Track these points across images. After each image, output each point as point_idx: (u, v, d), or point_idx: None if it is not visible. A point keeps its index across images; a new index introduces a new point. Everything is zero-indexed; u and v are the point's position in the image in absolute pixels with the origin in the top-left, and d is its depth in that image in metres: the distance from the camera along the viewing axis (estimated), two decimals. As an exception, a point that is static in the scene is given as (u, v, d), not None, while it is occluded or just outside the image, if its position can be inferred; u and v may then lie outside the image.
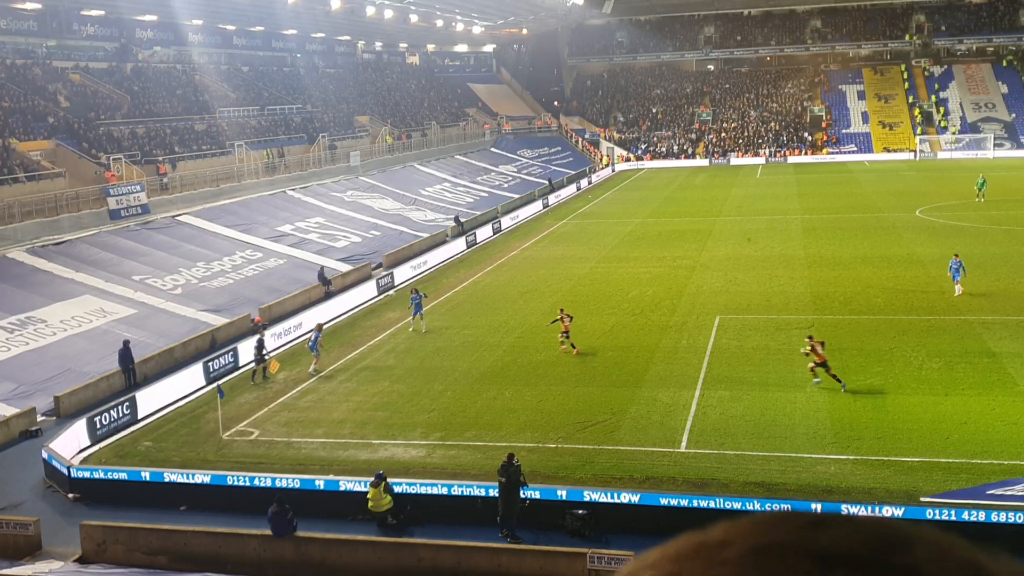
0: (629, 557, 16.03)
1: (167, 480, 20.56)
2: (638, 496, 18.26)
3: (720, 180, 77.27)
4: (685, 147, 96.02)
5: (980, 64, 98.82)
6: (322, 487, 19.66)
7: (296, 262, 43.79)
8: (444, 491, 19.14)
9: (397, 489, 19.02)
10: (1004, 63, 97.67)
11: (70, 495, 20.88)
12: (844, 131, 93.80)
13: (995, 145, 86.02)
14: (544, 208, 65.82)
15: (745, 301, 34.47)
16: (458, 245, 50.38)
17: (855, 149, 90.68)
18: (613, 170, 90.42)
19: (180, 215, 46.11)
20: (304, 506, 18.67)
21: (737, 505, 17.69)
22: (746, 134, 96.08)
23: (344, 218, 53.35)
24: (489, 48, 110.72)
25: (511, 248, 49.66)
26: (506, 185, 75.25)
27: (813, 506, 17.34)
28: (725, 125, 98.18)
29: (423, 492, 19.19)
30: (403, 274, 42.70)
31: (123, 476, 21.01)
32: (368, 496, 18.76)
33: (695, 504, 17.81)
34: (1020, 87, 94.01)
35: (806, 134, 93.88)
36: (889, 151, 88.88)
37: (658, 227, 53.68)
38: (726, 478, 19.45)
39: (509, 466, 18.11)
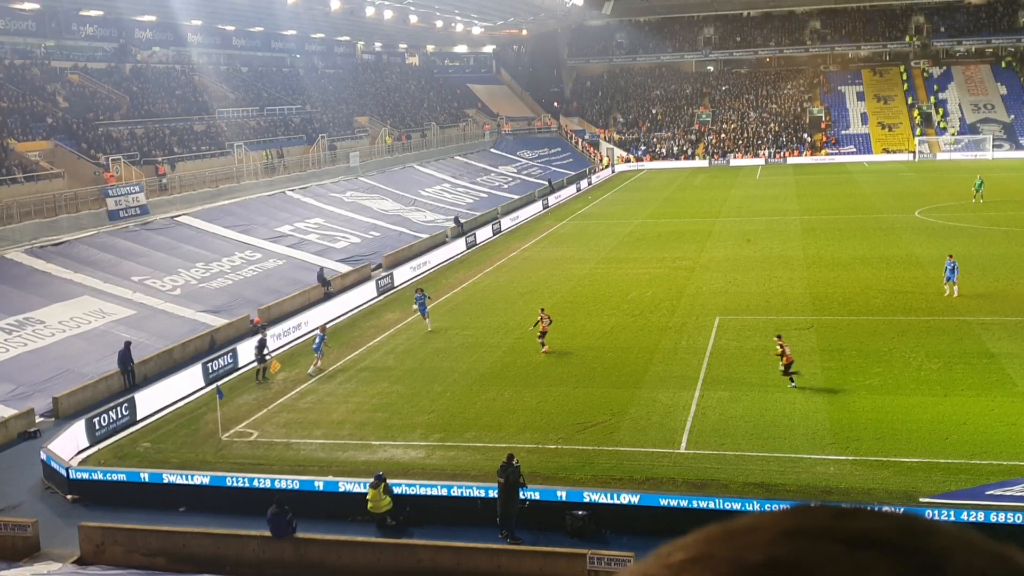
0: (629, 558, 16.02)
1: (166, 481, 20.53)
2: (638, 497, 18.25)
3: (719, 181, 77.29)
4: (685, 148, 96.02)
5: (979, 65, 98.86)
6: (321, 488, 19.64)
7: (295, 263, 43.78)
8: (444, 492, 19.12)
9: (396, 490, 19.01)
10: (1003, 64, 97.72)
11: (69, 496, 20.86)
12: (843, 132, 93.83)
13: (994, 146, 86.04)
14: (544, 209, 65.82)
15: (744, 302, 34.47)
16: (458, 246, 50.37)
17: (854, 150, 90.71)
18: (613, 171, 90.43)
19: (179, 216, 46.08)
20: (303, 507, 18.65)
21: (737, 506, 17.68)
22: (745, 135, 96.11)
23: (343, 219, 53.33)
24: (489, 49, 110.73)
25: (511, 249, 49.65)
26: (506, 186, 75.25)
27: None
28: (724, 126, 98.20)
29: (422, 493, 19.18)
30: (403, 275, 42.68)
31: (122, 477, 20.98)
32: (367, 497, 18.74)
33: (695, 505, 17.80)
34: (1019, 88, 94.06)
35: (805, 135, 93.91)
36: (888, 152, 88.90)
37: (658, 228, 53.68)
38: (725, 479, 19.44)
39: (508, 467, 18.09)
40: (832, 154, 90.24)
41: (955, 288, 32.99)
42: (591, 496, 18.39)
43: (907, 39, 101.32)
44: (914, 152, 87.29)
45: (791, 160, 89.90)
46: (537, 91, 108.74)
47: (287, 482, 19.75)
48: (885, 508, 15.86)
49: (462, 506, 18.86)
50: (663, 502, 18.03)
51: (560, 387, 25.92)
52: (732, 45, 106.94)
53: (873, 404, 23.25)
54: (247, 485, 19.93)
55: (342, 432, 23.57)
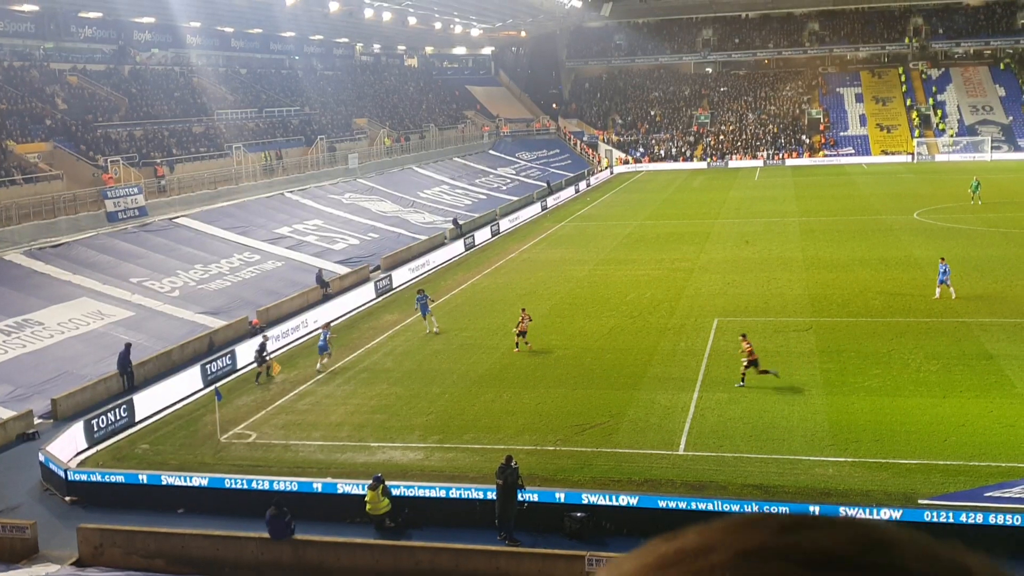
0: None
1: (165, 483, 20.51)
2: (636, 499, 18.24)
3: (718, 183, 77.32)
4: (683, 149, 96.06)
5: (977, 67, 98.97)
6: (320, 490, 19.63)
7: (294, 264, 43.77)
8: (442, 494, 19.11)
9: (395, 492, 19.00)
10: (1001, 66, 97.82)
11: (67, 498, 20.84)
12: (842, 134, 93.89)
13: (992, 148, 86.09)
14: (542, 210, 65.82)
15: (743, 303, 34.48)
16: (456, 247, 50.37)
17: (853, 151, 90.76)
18: (611, 173, 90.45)
19: (178, 217, 46.07)
20: (302, 509, 18.65)
21: (735, 507, 17.67)
22: (744, 136, 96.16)
23: (342, 220, 53.32)
24: (487, 50, 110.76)
25: (509, 250, 49.66)
26: (504, 187, 75.26)
27: (811, 508, 17.33)
28: (723, 128, 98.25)
29: (421, 495, 19.16)
30: (401, 277, 42.68)
31: (120, 479, 20.96)
32: (366, 499, 18.74)
33: (693, 506, 17.80)
34: (1017, 90, 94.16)
35: (804, 136, 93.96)
36: (887, 153, 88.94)
37: (656, 230, 53.70)
38: (724, 480, 19.44)
39: (507, 468, 18.09)
40: (830, 156, 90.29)
41: (951, 290, 33.04)
42: (590, 498, 18.38)
43: (905, 41, 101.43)
44: (913, 154, 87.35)
45: (790, 162, 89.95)
46: (536, 93, 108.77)
47: (286, 484, 19.74)
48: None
49: (461, 508, 18.85)
50: (662, 504, 18.03)
51: (559, 389, 25.91)
52: (731, 47, 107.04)
53: (872, 406, 23.26)
54: (246, 487, 19.92)
55: (341, 434, 23.56)
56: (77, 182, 45.27)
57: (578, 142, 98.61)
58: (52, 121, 49.66)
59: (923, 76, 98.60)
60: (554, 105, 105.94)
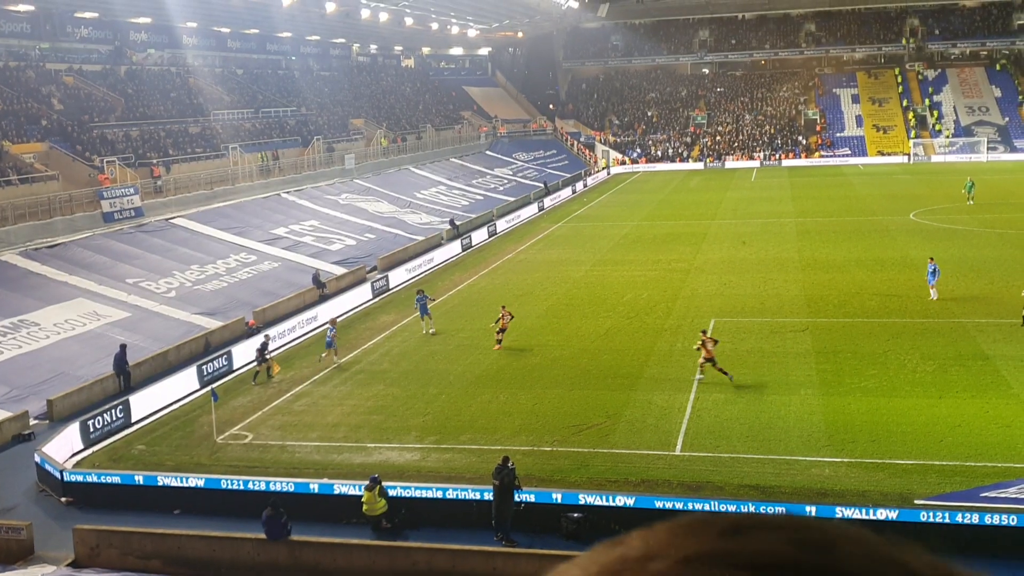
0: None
1: (161, 484, 20.48)
2: (633, 499, 18.24)
3: (715, 183, 77.37)
4: (680, 150, 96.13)
5: (974, 68, 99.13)
6: (316, 490, 19.62)
7: (290, 265, 43.74)
8: (439, 495, 19.10)
9: (392, 493, 18.98)
10: (997, 67, 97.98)
11: (63, 499, 20.81)
12: (838, 134, 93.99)
13: (988, 149, 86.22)
14: (539, 211, 65.80)
15: (740, 304, 34.50)
16: (453, 248, 50.35)
17: (849, 152, 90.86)
18: (608, 173, 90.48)
19: (174, 218, 46.02)
20: (298, 509, 18.63)
21: (732, 508, 17.69)
22: (741, 137, 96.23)
23: (339, 221, 53.30)
24: (484, 51, 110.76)
25: (506, 251, 49.65)
26: (501, 188, 75.27)
27: (808, 509, 17.34)
28: (720, 128, 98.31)
29: (418, 496, 19.15)
30: (398, 277, 42.67)
31: (116, 480, 20.92)
32: (363, 499, 18.72)
33: (690, 507, 17.80)
34: (1013, 91, 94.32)
35: (800, 137, 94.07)
36: (883, 154, 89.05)
37: (653, 230, 53.73)
38: (721, 481, 19.45)
39: (503, 469, 18.08)
40: (827, 156, 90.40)
41: (933, 291, 33.13)
42: (586, 498, 18.38)
43: (902, 42, 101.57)
44: (909, 154, 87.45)
45: (786, 163, 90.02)
46: (533, 93, 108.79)
47: (282, 484, 19.72)
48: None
49: (457, 508, 18.84)
50: (658, 504, 18.02)
51: (555, 389, 25.91)
52: (727, 48, 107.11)
53: (868, 406, 23.28)
54: (242, 488, 19.90)
55: (337, 434, 23.55)
56: (73, 183, 45.22)
57: (575, 143, 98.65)
58: (48, 121, 49.61)
59: (919, 77, 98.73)
60: (551, 106, 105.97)
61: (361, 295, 39.37)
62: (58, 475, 21.05)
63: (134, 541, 18.34)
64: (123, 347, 28.66)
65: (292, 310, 36.84)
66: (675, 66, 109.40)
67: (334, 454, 22.26)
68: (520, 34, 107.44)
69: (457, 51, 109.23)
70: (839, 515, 16.71)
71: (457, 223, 56.27)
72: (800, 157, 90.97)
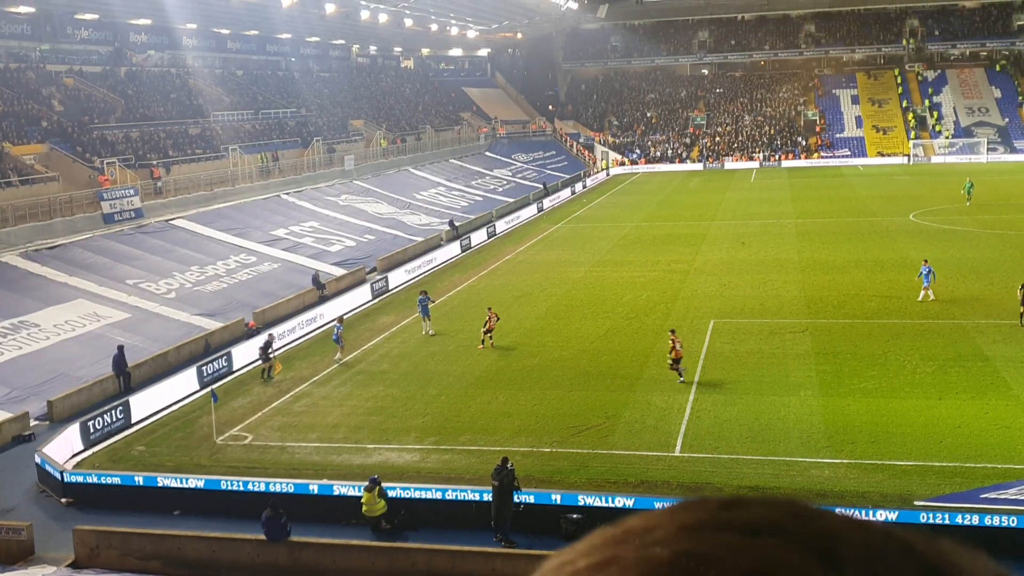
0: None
1: (161, 485, 20.49)
2: (632, 500, 18.26)
3: (714, 184, 77.39)
4: (679, 151, 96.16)
5: (973, 69, 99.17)
6: (316, 491, 19.63)
7: (290, 266, 43.75)
8: (438, 495, 19.11)
9: (391, 493, 19.00)
10: (997, 68, 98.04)
11: (63, 500, 20.82)
12: (838, 135, 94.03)
13: (988, 149, 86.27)
14: (539, 212, 65.81)
15: (739, 305, 34.51)
16: (453, 249, 50.35)
17: (849, 153, 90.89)
18: (607, 174, 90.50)
19: (174, 219, 46.04)
20: (298, 510, 18.64)
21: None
22: (740, 138, 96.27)
23: (338, 222, 53.31)
24: (484, 52, 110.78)
25: (505, 252, 49.67)
26: (501, 189, 75.29)
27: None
28: (719, 129, 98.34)
29: (417, 496, 19.16)
30: (397, 278, 42.68)
31: (116, 481, 20.94)
32: (362, 500, 18.73)
33: (689, 508, 17.79)
34: (1013, 92, 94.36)
35: (800, 138, 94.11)
36: (883, 155, 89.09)
37: (652, 231, 53.75)
38: (720, 482, 19.47)
39: (503, 470, 18.10)
40: (826, 157, 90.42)
41: (924, 292, 33.16)
42: (586, 499, 18.40)
43: (902, 43, 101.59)
44: (908, 155, 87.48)
45: (786, 163, 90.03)
46: (532, 94, 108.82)
47: (282, 485, 19.74)
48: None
49: (457, 509, 18.86)
50: (658, 505, 17.85)
51: (555, 390, 25.92)
52: (727, 48, 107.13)
53: (868, 407, 23.29)
54: (242, 488, 19.91)
55: (337, 435, 23.56)
56: (73, 184, 45.23)
57: (574, 144, 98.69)
58: (48, 123, 49.62)
59: (919, 78, 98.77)
60: (550, 107, 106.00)
61: (361, 296, 39.38)
62: (58, 476, 21.07)
63: (134, 542, 18.35)
64: (121, 348, 28.65)
65: (292, 311, 36.84)
66: (674, 67, 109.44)
67: (334, 455, 22.28)
68: (519, 35, 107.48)
69: (456, 52, 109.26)
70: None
71: (456, 224, 56.28)
72: (800, 158, 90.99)
